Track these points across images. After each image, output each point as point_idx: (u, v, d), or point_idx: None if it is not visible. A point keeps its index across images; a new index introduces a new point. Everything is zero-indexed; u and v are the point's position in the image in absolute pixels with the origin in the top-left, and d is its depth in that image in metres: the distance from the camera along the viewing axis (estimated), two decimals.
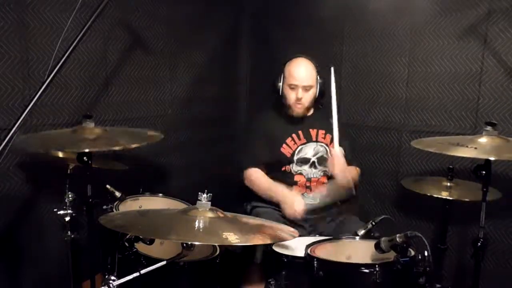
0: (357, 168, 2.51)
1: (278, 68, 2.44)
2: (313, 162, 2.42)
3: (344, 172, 2.27)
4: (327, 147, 2.43)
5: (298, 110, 2.40)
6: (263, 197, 2.39)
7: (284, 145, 2.42)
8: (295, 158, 2.42)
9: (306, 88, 2.36)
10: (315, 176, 2.42)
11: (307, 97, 2.38)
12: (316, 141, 2.44)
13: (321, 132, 2.45)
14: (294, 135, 2.43)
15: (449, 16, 2.47)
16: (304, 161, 2.42)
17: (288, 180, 2.40)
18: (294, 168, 2.42)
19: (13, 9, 1.97)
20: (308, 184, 2.41)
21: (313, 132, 2.45)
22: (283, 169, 2.43)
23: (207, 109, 3.05)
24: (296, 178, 2.41)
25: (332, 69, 2.27)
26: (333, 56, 2.87)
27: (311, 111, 2.50)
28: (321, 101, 2.47)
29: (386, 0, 2.65)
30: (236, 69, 3.31)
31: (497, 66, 2.36)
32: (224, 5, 3.09)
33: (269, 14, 3.17)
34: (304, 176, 2.41)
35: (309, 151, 2.43)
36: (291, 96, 2.38)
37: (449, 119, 2.53)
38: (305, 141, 2.43)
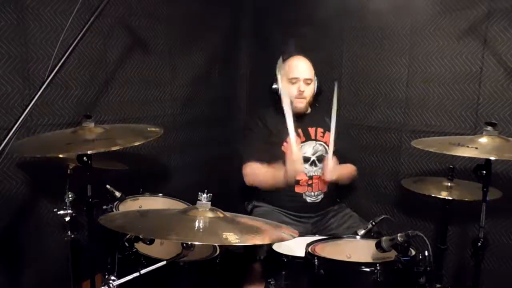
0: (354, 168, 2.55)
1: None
2: (313, 160, 2.43)
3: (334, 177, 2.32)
4: (326, 146, 2.44)
5: (299, 105, 2.39)
6: (267, 188, 2.34)
7: (284, 144, 2.41)
8: None
9: (307, 82, 2.39)
10: (316, 174, 2.42)
11: (308, 91, 2.40)
12: (315, 139, 2.45)
13: (320, 130, 2.46)
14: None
15: (449, 16, 2.47)
16: (304, 159, 2.41)
17: None
18: None
19: (13, 9, 1.97)
20: (310, 182, 2.41)
21: (311, 130, 2.46)
22: None
23: (207, 109, 3.05)
24: (298, 176, 2.40)
25: (336, 83, 2.33)
26: (333, 56, 2.87)
27: (309, 110, 2.51)
28: (317, 99, 2.51)
29: (386, 0, 2.65)
30: (236, 69, 3.31)
31: (497, 66, 2.36)
32: (224, 5, 3.09)
33: (269, 14, 3.16)
34: (306, 174, 2.41)
35: (308, 149, 2.43)
36: (292, 91, 2.37)
37: (449, 119, 2.53)
38: (304, 139, 2.44)
